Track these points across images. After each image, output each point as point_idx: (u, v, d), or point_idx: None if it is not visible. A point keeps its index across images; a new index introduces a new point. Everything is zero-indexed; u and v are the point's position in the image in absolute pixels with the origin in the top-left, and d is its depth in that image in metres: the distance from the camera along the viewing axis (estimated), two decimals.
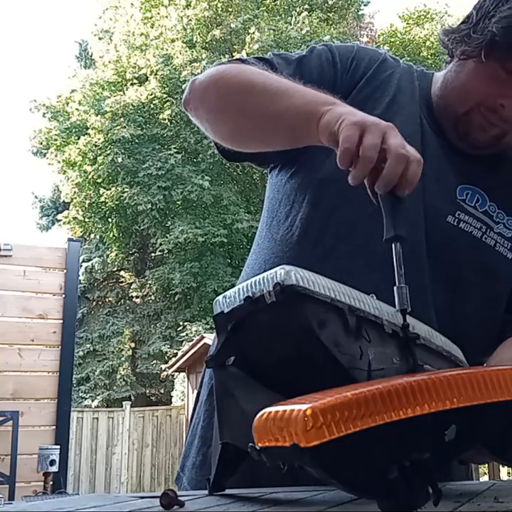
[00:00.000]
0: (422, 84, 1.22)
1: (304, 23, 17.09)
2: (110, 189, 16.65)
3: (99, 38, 20.38)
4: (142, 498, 0.86)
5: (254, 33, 16.52)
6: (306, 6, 18.07)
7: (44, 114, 19.16)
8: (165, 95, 17.18)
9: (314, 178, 1.12)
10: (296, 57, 1.19)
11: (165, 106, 17.16)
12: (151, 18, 19.07)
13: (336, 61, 1.18)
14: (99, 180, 16.86)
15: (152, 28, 18.77)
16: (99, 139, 16.50)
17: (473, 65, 1.10)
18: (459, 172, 1.16)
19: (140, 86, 17.41)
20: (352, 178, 0.84)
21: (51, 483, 4.41)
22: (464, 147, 1.16)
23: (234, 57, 1.17)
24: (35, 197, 20.80)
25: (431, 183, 1.12)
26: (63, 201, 18.35)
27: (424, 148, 1.13)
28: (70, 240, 5.46)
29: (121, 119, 16.59)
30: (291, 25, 17.18)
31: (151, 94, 16.98)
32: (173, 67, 17.00)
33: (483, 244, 1.14)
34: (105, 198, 16.63)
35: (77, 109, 18.10)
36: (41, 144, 19.10)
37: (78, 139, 17.42)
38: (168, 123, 17.09)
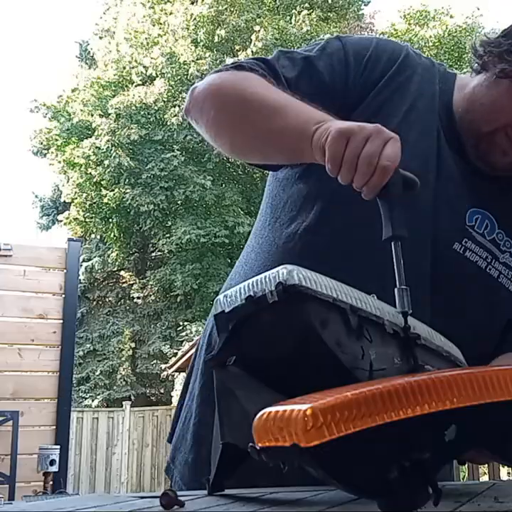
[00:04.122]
0: (444, 87, 1.15)
1: (303, 22, 17.08)
2: (113, 190, 16.63)
3: (100, 37, 20.34)
4: (142, 498, 0.86)
5: (259, 31, 16.49)
6: (307, 5, 18.05)
7: (44, 114, 19.15)
8: (170, 95, 17.11)
9: (325, 190, 1.06)
10: (303, 56, 1.12)
11: (169, 106, 17.12)
12: (154, 13, 19.05)
13: (349, 60, 1.11)
14: (102, 183, 16.81)
15: (154, 25, 18.74)
16: (102, 141, 16.43)
17: (509, 84, 1.04)
18: (472, 193, 1.11)
19: (144, 85, 17.38)
20: (340, 180, 0.86)
21: (51, 483, 4.41)
22: (481, 167, 1.11)
23: (234, 62, 1.13)
24: (36, 196, 20.78)
25: (443, 205, 1.07)
26: (64, 201, 18.34)
27: (439, 164, 1.08)
28: (70, 239, 5.46)
29: (125, 120, 16.54)
30: (291, 23, 17.15)
31: (160, 94, 16.91)
32: (179, 65, 16.95)
33: (486, 274, 1.10)
34: (108, 200, 16.59)
35: (81, 110, 18.07)
36: (41, 143, 19.10)
37: (79, 139, 17.40)
38: (173, 123, 17.04)
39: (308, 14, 17.22)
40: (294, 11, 17.76)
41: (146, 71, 17.58)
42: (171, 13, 18.42)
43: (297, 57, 1.12)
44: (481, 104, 1.08)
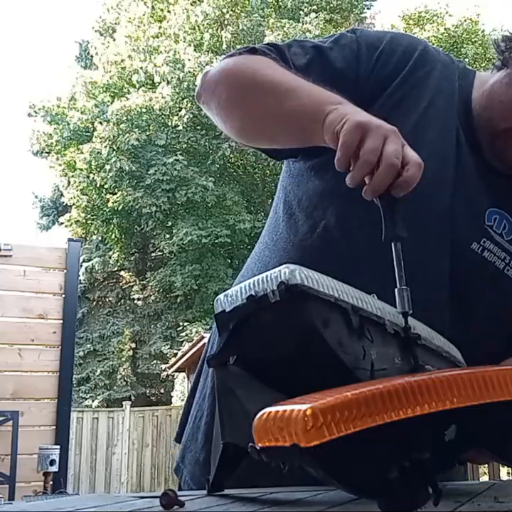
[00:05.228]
0: (463, 84, 1.12)
1: (310, 24, 17.05)
2: (116, 194, 16.61)
3: (101, 34, 20.27)
4: (142, 498, 0.86)
5: (272, 34, 16.43)
6: (314, 8, 18.04)
7: (43, 117, 19.12)
8: (175, 100, 17.05)
9: (342, 186, 0.95)
10: (315, 45, 1.11)
11: (175, 110, 17.07)
12: (155, 14, 19.04)
13: (362, 51, 1.09)
14: (104, 186, 16.77)
15: (154, 23, 18.69)
16: (102, 146, 16.40)
17: None
18: (491, 193, 1.09)
19: (146, 88, 17.33)
20: (349, 178, 0.83)
21: (51, 483, 4.41)
22: (498, 166, 1.09)
23: (247, 46, 1.11)
24: (36, 197, 20.79)
25: (461, 204, 1.06)
26: (63, 202, 18.36)
27: (457, 163, 1.07)
28: (70, 240, 5.46)
29: (125, 125, 16.50)
30: (298, 25, 17.09)
31: (165, 101, 16.85)
32: (182, 69, 16.88)
33: (504, 276, 1.08)
34: (113, 203, 16.58)
35: (79, 118, 18.06)
36: (40, 146, 19.10)
37: (79, 143, 17.39)
38: (178, 124, 17.01)
39: (315, 17, 17.18)
40: (301, 12, 17.73)
41: (152, 79, 17.50)
42: (174, 14, 18.38)
43: (308, 46, 1.11)
44: (500, 101, 1.06)
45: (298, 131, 0.98)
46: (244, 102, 1.04)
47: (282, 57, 1.07)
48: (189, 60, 16.92)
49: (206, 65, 16.56)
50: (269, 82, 1.01)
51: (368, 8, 20.83)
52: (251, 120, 1.05)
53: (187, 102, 16.59)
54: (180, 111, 16.88)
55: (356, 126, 0.83)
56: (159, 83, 17.21)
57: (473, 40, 18.06)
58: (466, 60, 16.68)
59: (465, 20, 18.72)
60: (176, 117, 16.94)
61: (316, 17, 17.25)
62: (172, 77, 16.78)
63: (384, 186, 0.81)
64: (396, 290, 0.79)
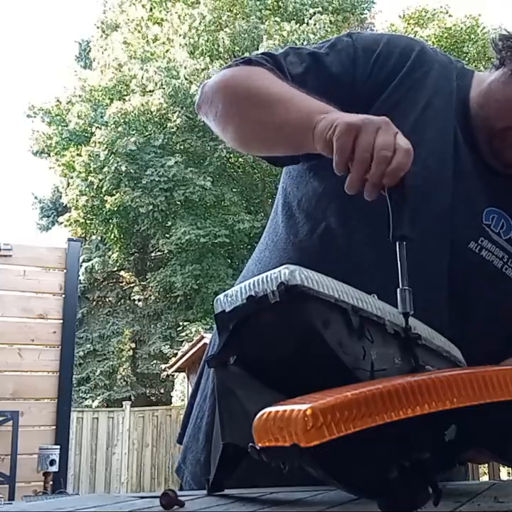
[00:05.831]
0: (461, 84, 1.13)
1: (315, 25, 17.01)
2: (114, 195, 16.61)
3: (103, 31, 20.24)
4: (142, 498, 0.86)
5: (270, 35, 16.40)
6: (319, 9, 18.02)
7: (42, 119, 19.12)
8: (172, 103, 17.03)
9: (340, 187, 0.91)
10: (311, 52, 1.11)
11: (170, 111, 17.06)
12: (152, 16, 19.03)
13: (358, 55, 1.09)
14: (103, 188, 16.78)
15: (154, 24, 18.66)
16: (101, 149, 16.40)
17: None
18: (488, 192, 1.09)
19: (143, 93, 17.32)
20: (349, 181, 0.83)
21: (51, 483, 4.41)
22: (495, 165, 1.09)
23: (243, 57, 1.13)
24: (35, 198, 20.78)
25: (459, 203, 1.06)
26: (63, 203, 18.36)
27: (456, 163, 1.07)
28: (70, 239, 5.45)
29: (123, 128, 16.49)
30: (301, 28, 17.04)
31: (160, 102, 16.84)
32: (178, 78, 16.85)
33: (502, 275, 1.08)
34: (111, 205, 16.58)
35: (77, 123, 18.08)
36: (40, 146, 19.11)
37: (78, 144, 17.40)
38: (175, 125, 17.00)
39: (319, 19, 17.15)
40: (306, 13, 17.69)
41: (146, 87, 17.47)
42: (170, 16, 18.34)
43: (305, 53, 1.11)
44: (495, 100, 1.06)
45: (291, 141, 0.99)
46: (239, 113, 1.06)
47: (278, 66, 1.08)
48: (185, 68, 16.89)
49: (203, 70, 16.56)
50: (262, 93, 1.02)
51: (368, 10, 20.86)
52: (247, 131, 1.07)
53: (183, 106, 16.59)
54: (175, 113, 16.87)
55: (348, 127, 0.84)
56: (153, 91, 17.19)
57: (474, 39, 18.07)
58: (468, 58, 16.67)
59: (467, 19, 18.72)
60: (173, 117, 16.93)
61: (320, 19, 17.23)
62: (168, 85, 16.75)
63: (379, 179, 0.81)
64: (398, 290, 0.79)
